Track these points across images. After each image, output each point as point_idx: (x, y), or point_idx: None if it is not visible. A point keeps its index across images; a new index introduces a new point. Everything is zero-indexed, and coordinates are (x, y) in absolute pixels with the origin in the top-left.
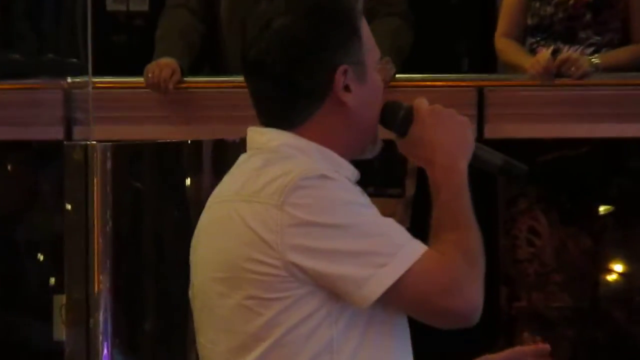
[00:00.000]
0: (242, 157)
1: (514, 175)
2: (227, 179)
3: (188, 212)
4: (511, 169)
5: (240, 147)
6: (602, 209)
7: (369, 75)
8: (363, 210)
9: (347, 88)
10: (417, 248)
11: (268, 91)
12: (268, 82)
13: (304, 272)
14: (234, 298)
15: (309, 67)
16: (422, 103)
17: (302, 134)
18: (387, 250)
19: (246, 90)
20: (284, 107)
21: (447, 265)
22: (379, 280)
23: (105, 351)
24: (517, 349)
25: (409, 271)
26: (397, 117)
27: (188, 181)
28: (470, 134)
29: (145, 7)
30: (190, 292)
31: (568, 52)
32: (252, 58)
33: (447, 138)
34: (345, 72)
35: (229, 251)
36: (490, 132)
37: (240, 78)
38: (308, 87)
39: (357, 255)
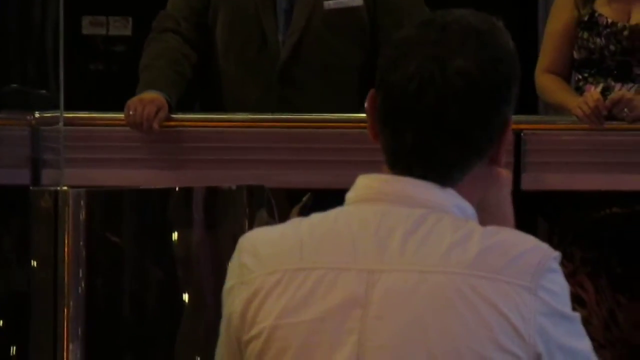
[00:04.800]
0: (407, 215)
1: None
2: (396, 241)
3: (175, 271)
4: None
5: (236, 195)
6: None
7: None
8: None
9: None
10: None
11: (442, 144)
12: (446, 132)
13: None
14: None
15: (492, 121)
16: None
17: (458, 192)
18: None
19: (245, 129)
20: (453, 162)
21: None
22: None
23: None
24: None
25: None
26: None
27: (175, 235)
28: None
29: (127, 31)
30: None
31: (621, 91)
32: (429, 106)
33: (512, 211)
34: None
35: (467, 335)
36: (528, 184)
37: (237, 116)
38: (483, 143)
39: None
